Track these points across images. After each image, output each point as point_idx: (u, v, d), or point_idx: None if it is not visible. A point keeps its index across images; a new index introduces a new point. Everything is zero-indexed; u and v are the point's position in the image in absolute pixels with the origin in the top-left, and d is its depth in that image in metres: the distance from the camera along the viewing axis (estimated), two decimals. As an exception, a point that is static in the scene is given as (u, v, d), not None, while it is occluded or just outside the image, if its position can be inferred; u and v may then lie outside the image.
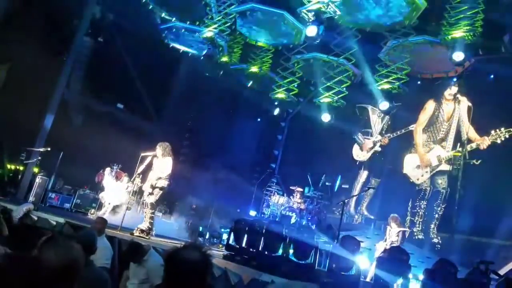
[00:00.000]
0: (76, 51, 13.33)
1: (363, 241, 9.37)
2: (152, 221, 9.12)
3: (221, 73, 15.12)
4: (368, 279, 7.74)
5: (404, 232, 9.41)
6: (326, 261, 6.82)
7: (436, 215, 10.25)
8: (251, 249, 7.23)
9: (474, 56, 11.13)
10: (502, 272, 8.78)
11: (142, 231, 8.80)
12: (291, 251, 6.81)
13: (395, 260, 6.44)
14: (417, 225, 10.41)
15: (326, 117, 14.55)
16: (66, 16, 12.98)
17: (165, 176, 9.06)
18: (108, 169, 11.77)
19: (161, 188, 9.08)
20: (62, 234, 7.91)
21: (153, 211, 9.17)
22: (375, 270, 6.54)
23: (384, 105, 13.15)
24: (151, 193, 9.06)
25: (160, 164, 9.16)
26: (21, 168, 12.15)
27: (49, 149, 11.26)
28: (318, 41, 10.82)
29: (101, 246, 4.44)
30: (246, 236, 7.35)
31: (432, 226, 10.23)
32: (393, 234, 9.23)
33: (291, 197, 12.74)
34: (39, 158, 11.56)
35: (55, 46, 12.90)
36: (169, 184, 9.19)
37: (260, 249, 7.09)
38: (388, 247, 8.73)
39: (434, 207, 10.38)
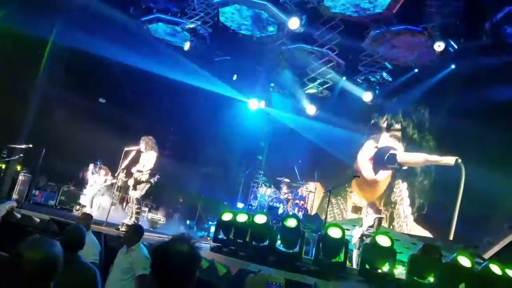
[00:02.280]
0: (56, 45, 13.07)
1: (349, 229, 9.46)
2: (138, 216, 9.06)
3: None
4: (354, 266, 7.83)
5: (380, 218, 9.50)
6: (313, 249, 6.87)
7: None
8: (238, 240, 7.24)
9: (456, 44, 11.27)
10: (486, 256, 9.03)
11: (128, 226, 8.73)
12: (278, 241, 6.84)
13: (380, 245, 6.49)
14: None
15: (311, 109, 14.63)
16: (45, 10, 12.69)
17: (148, 171, 8.99)
18: (92, 165, 11.62)
19: (146, 183, 9.02)
20: (46, 231, 7.81)
21: (138, 206, 9.10)
22: (361, 257, 6.58)
23: (367, 96, 13.29)
24: (136, 188, 8.99)
25: (144, 158, 9.10)
26: (3, 166, 11.91)
27: (31, 145, 11.04)
28: (301, 31, 10.81)
29: (89, 241, 4.39)
30: (233, 227, 7.35)
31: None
32: (369, 220, 9.29)
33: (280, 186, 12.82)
34: (21, 155, 11.34)
35: (34, 41, 12.63)
36: (154, 179, 9.12)
37: (247, 240, 7.10)
38: (365, 232, 8.89)
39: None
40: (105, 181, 11.32)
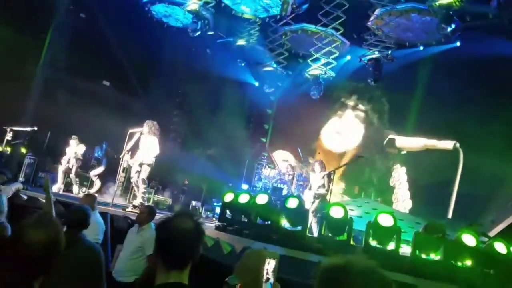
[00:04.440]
0: (58, 28, 13.00)
1: (353, 209, 9.48)
2: (144, 196, 9.16)
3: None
4: (315, 235, 7.60)
5: (329, 174, 8.75)
6: (317, 228, 6.92)
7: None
8: (242, 219, 7.30)
9: (461, 23, 11.08)
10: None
11: (134, 206, 8.83)
12: (282, 220, 6.88)
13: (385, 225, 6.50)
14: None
15: (314, 90, 14.48)
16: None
17: (153, 155, 9.07)
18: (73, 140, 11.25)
19: (148, 165, 9.10)
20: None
21: (145, 186, 9.20)
22: (366, 233, 6.57)
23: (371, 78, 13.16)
24: (139, 170, 9.07)
25: (146, 142, 9.15)
26: (9, 149, 11.96)
27: (36, 128, 11.07)
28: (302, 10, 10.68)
29: (92, 221, 4.45)
30: (235, 207, 7.40)
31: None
32: (317, 178, 8.82)
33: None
34: (26, 138, 11.39)
35: (37, 24, 12.57)
36: (154, 162, 9.18)
37: (251, 219, 7.15)
38: (315, 193, 8.68)
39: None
40: (75, 152, 10.92)
